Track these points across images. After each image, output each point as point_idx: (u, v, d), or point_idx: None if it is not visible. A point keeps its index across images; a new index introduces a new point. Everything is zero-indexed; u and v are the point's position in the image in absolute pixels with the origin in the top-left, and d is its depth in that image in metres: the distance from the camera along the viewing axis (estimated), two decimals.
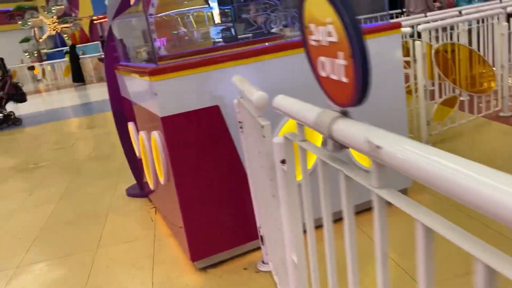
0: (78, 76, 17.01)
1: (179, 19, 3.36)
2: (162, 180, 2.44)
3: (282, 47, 2.34)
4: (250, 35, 3.44)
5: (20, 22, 24.63)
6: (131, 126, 3.30)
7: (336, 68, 0.85)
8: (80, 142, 6.42)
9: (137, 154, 3.29)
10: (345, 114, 0.89)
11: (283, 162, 1.30)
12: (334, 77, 0.87)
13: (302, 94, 1.37)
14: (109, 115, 8.69)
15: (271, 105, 1.38)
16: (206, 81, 2.20)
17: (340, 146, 0.90)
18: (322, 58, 0.91)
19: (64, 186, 4.32)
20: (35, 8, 26.86)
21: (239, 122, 2.12)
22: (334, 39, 0.83)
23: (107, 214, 3.45)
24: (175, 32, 3.43)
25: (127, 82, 3.03)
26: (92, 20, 24.24)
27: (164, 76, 2.10)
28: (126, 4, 3.38)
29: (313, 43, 0.93)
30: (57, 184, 4.44)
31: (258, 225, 2.26)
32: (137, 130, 3.11)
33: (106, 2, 11.33)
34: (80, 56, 17.33)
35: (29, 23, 24.33)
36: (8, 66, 22.00)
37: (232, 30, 3.61)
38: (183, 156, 2.25)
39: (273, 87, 1.78)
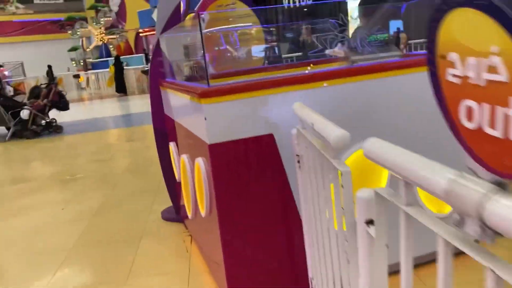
0: (121, 87, 17.32)
1: (229, 36, 3.16)
2: (203, 212, 2.19)
3: (358, 71, 2.07)
4: (305, 55, 3.20)
5: (70, 32, 25.56)
6: (172, 146, 3.10)
7: (499, 119, 0.57)
8: (118, 154, 6.32)
9: (176, 177, 3.08)
10: (503, 187, 0.61)
11: (369, 223, 1.01)
12: (492, 132, 0.59)
13: (384, 132, 1.09)
14: (149, 128, 8.63)
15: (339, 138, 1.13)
16: (262, 106, 1.95)
17: (494, 234, 0.61)
18: (468, 103, 0.63)
19: (99, 202, 4.17)
20: (84, 19, 27.86)
21: (297, 155, 1.85)
22: (501, 78, 0.55)
23: (141, 238, 3.24)
24: (225, 49, 3.23)
25: (172, 101, 2.84)
26: (138, 33, 24.85)
27: (216, 99, 1.87)
28: (176, 18, 3.22)
29: (452, 79, 0.66)
30: (92, 199, 4.30)
31: (310, 275, 1.96)
32: (179, 152, 2.90)
33: (153, 16, 11.54)
34: (124, 68, 17.69)
35: (78, 33, 25.20)
36: (55, 73, 22.86)
37: (289, 48, 3.38)
38: (230, 189, 2.00)
39: (341, 118, 1.51)
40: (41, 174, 5.69)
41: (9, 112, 8.78)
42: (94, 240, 3.33)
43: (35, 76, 24.29)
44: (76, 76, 23.53)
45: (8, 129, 8.88)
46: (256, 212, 2.05)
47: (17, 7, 29.26)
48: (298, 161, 1.87)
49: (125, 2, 27.69)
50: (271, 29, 3.59)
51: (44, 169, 6.04)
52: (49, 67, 23.12)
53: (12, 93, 22.65)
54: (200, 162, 2.09)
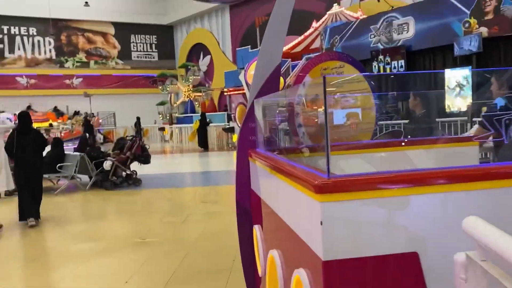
0: (203, 142, 17.57)
1: (337, 102, 2.63)
2: None
3: None
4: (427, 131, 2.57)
5: (161, 87, 27.10)
6: (257, 231, 2.54)
7: None
8: (192, 218, 5.90)
9: (259, 271, 2.48)
10: None
11: None
12: None
13: None
14: (225, 189, 8.26)
15: None
16: (404, 211, 1.33)
17: None
18: None
19: (165, 278, 3.66)
20: (175, 76, 29.57)
21: None
22: None
23: None
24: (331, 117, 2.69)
25: (262, 178, 2.31)
26: (222, 92, 25.69)
27: (339, 197, 1.29)
28: (273, 83, 2.79)
29: None
30: (158, 273, 3.82)
31: None
32: (266, 244, 2.32)
33: (240, 77, 11.45)
34: (209, 125, 18.08)
35: (167, 89, 26.63)
36: (143, 125, 23.98)
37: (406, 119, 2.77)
38: None
39: None
40: (112, 233, 5.40)
41: (93, 162, 8.92)
42: None
43: (124, 125, 25.81)
44: (161, 129, 24.58)
45: (90, 177, 9.00)
46: None
47: (116, 63, 32.02)
48: None
49: (213, 63, 29.12)
50: (382, 96, 3.03)
51: (115, 227, 5.78)
52: (138, 118, 24.45)
53: (102, 141, 24.12)
54: (303, 276, 1.49)
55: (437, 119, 2.87)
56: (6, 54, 28.37)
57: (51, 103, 26.85)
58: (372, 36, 12.34)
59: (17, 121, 6.65)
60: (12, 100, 25.39)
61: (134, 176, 9.15)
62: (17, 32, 28.84)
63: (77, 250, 4.69)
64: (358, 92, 2.76)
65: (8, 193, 8.31)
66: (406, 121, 5.62)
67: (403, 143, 3.00)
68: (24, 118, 6.14)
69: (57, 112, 26.51)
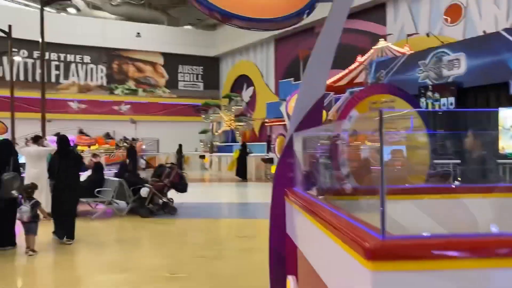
0: (242, 173, 17.44)
1: (387, 140, 2.35)
2: None
3: None
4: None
5: (204, 116, 27.48)
6: (291, 282, 2.26)
7: None
8: (225, 254, 5.64)
9: None
10: None
11: None
12: None
13: None
14: (261, 223, 7.96)
15: None
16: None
17: None
18: None
19: None
20: (218, 106, 29.96)
21: None
22: None
23: None
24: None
25: (300, 223, 2.06)
26: (263, 122, 25.70)
27: (396, 266, 1.02)
28: (315, 116, 2.56)
29: None
30: None
31: None
32: None
33: (281, 109, 11.32)
34: (249, 155, 17.99)
35: (210, 118, 26.97)
36: (184, 152, 24.22)
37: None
38: None
39: None
40: (142, 264, 5.22)
41: (131, 188, 8.92)
42: None
43: (166, 152, 26.22)
44: (202, 157, 24.75)
45: (127, 203, 8.97)
46: None
47: (164, 91, 32.94)
48: None
49: (256, 94, 29.34)
50: (437, 135, 2.72)
51: (146, 257, 5.60)
52: (180, 146, 24.78)
53: (144, 166, 24.45)
54: None
55: (497, 161, 2.51)
56: (61, 79, 29.88)
57: (99, 127, 27.81)
58: (420, 71, 11.92)
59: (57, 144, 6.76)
60: (63, 124, 26.54)
61: (170, 204, 9.05)
62: (72, 60, 30.39)
63: (104, 281, 4.53)
64: (413, 130, 2.48)
65: (50, 216, 8.40)
66: (457, 161, 5.21)
67: (457, 189, 2.65)
68: (64, 141, 6.24)
69: (107, 137, 27.38)
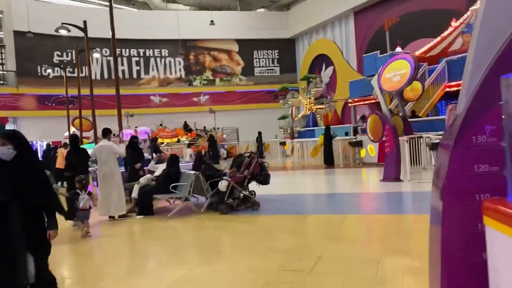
0: (329, 159, 16.05)
1: None
2: None
3: None
4: None
5: (282, 101, 26.35)
6: None
7: None
8: (322, 267, 4.40)
9: None
10: None
11: None
12: None
13: None
14: (359, 220, 6.62)
15: None
16: None
17: None
18: None
19: None
20: (296, 89, 28.65)
21: None
22: None
23: None
24: None
25: None
26: (346, 103, 23.90)
27: None
28: None
29: None
30: None
31: None
32: None
33: (373, 82, 9.44)
34: (334, 138, 16.50)
35: (289, 102, 25.76)
36: (264, 140, 23.37)
37: None
38: None
39: None
40: (216, 284, 4.21)
41: (208, 182, 8.05)
42: None
43: (246, 140, 25.57)
44: (282, 144, 23.67)
45: (206, 198, 8.15)
46: None
47: (240, 79, 32.36)
48: None
49: (336, 73, 27.52)
50: None
51: (223, 273, 4.57)
52: (259, 133, 23.92)
53: (225, 156, 24.06)
54: None
55: None
56: (142, 75, 30.51)
57: (180, 120, 27.97)
58: None
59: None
60: (146, 118, 27.06)
61: (252, 199, 8.05)
62: (151, 54, 30.86)
63: None
64: None
65: (122, 216, 7.86)
66: None
67: None
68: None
69: (186, 128, 27.47)
